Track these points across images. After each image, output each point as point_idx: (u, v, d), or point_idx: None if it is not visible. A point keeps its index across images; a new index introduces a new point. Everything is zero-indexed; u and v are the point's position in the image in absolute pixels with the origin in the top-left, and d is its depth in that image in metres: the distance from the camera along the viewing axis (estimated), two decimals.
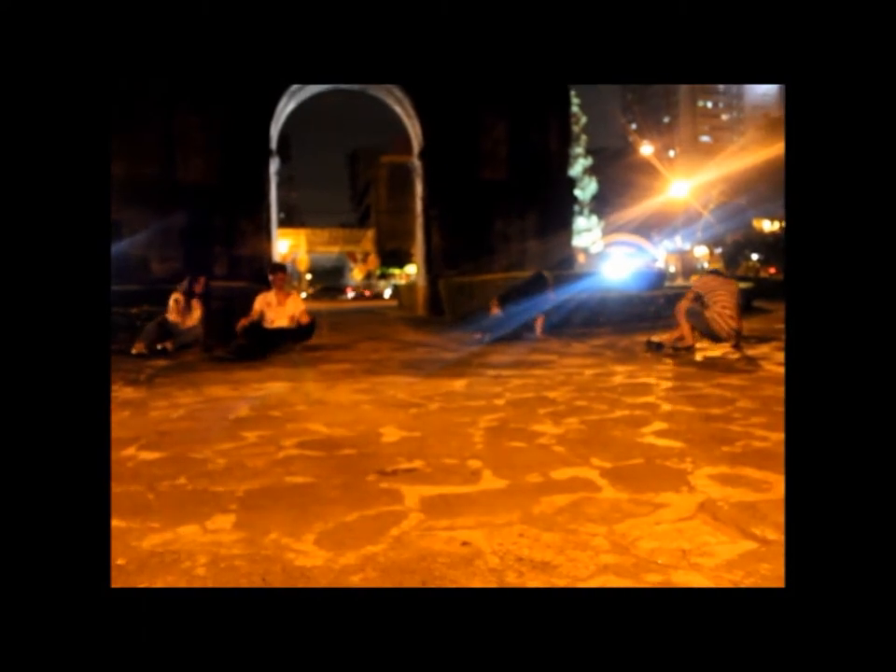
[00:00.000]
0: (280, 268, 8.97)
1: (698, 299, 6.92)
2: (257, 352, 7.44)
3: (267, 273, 8.98)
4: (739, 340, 6.89)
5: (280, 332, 8.07)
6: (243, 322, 7.91)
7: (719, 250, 47.08)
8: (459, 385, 5.11)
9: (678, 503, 2.28)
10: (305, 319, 8.28)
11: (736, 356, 6.54)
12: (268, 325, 8.12)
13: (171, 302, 8.46)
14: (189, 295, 8.52)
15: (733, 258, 44.92)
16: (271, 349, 7.72)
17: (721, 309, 6.77)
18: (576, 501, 2.33)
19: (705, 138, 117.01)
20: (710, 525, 2.08)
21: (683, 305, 6.95)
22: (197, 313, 8.46)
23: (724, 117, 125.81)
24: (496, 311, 8.74)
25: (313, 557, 1.94)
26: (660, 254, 45.50)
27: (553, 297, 8.85)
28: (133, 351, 7.76)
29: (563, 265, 13.90)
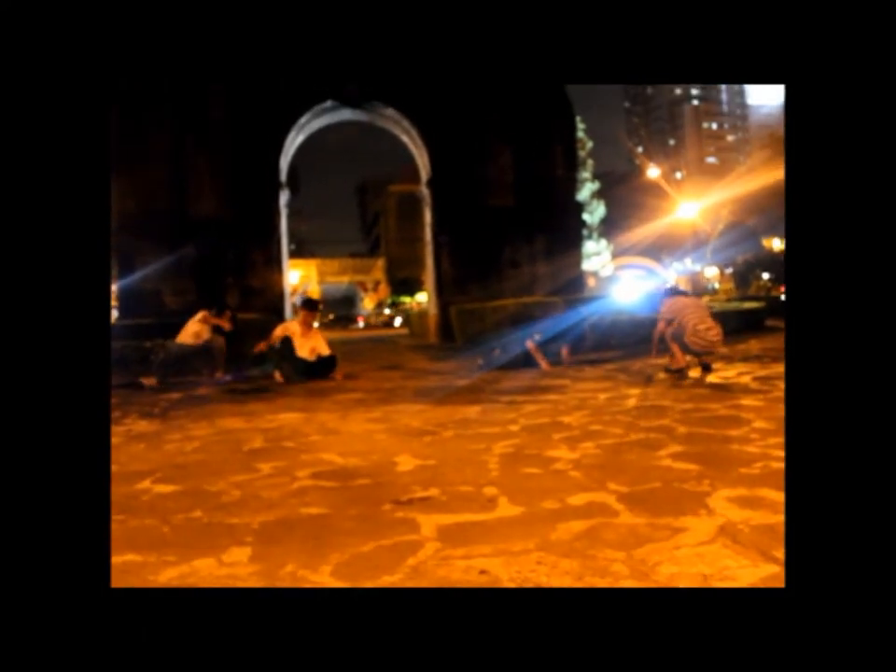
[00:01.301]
0: (315, 305, 9.01)
1: (670, 323, 6.95)
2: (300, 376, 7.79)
3: (300, 305, 9.00)
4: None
5: (304, 363, 8.16)
6: (261, 346, 8.17)
7: (729, 270, 46.99)
8: (473, 411, 5.10)
9: (697, 527, 2.25)
10: (326, 351, 8.35)
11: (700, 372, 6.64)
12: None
13: (197, 323, 8.52)
14: (216, 330, 8.67)
15: (744, 277, 44.82)
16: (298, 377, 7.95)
17: (695, 328, 6.77)
18: (593, 527, 2.31)
19: (711, 159, 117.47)
20: (731, 548, 2.05)
21: (667, 331, 6.97)
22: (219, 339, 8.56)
23: (730, 138, 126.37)
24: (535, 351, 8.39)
25: None
26: (670, 276, 45.46)
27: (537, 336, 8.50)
28: (146, 384, 7.80)
29: (573, 289, 13.91)
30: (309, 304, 8.86)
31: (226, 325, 8.69)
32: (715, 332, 6.84)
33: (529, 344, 8.28)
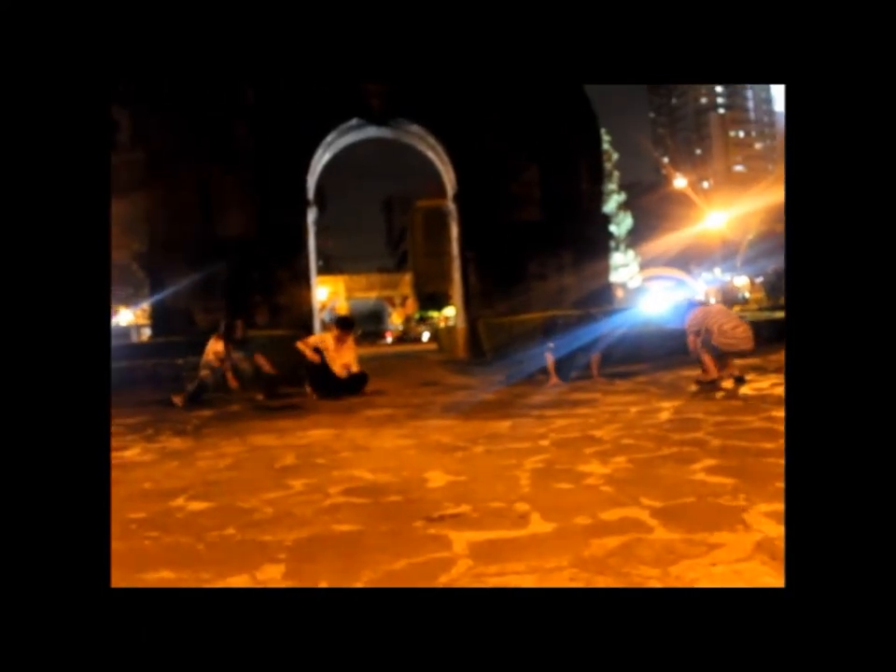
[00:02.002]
0: (350, 325, 8.86)
1: (698, 334, 6.87)
2: (331, 392, 7.95)
3: (335, 324, 8.97)
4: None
5: (337, 380, 8.22)
6: (300, 344, 8.39)
7: (760, 279, 46.36)
8: (503, 426, 5.08)
9: (733, 543, 2.21)
10: (356, 368, 8.40)
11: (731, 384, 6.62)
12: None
13: (210, 355, 8.35)
14: (229, 341, 8.45)
15: (774, 286, 44.16)
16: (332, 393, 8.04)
17: (721, 328, 6.68)
18: (627, 543, 2.28)
19: (739, 168, 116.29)
20: (769, 565, 2.01)
21: (697, 342, 6.89)
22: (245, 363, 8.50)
23: (758, 145, 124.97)
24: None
25: None
26: (700, 286, 45.00)
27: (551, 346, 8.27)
28: (177, 402, 7.89)
29: (600, 301, 13.83)
30: (344, 324, 8.76)
31: (226, 364, 8.42)
32: (742, 329, 6.74)
33: (548, 357, 8.20)
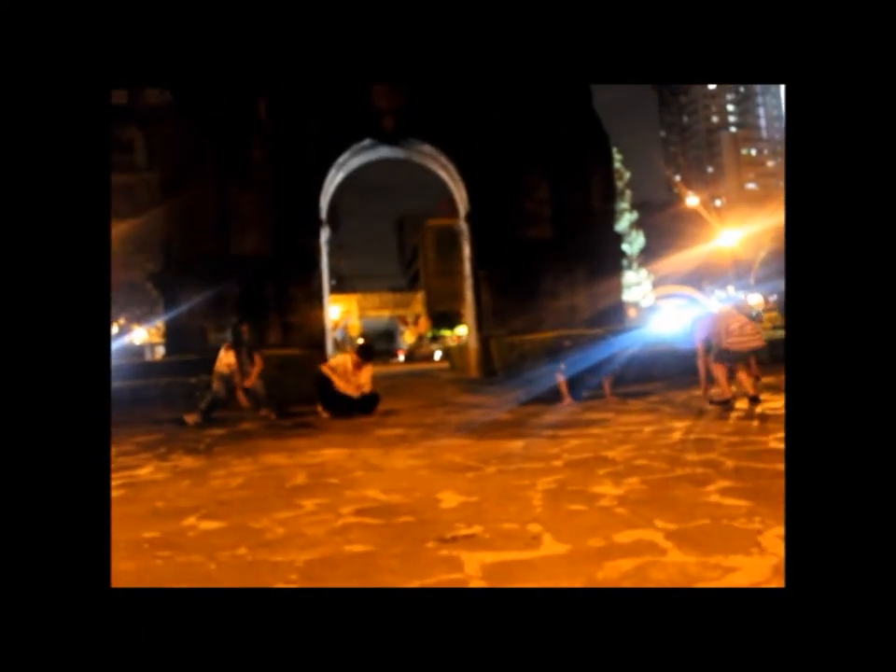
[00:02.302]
0: (370, 356, 8.88)
1: (709, 345, 6.80)
2: (343, 412, 8.01)
3: (358, 350, 9.02)
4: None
5: (349, 400, 8.23)
6: (326, 369, 8.51)
7: (774, 297, 46.11)
8: (516, 446, 5.06)
9: (749, 566, 2.18)
10: (368, 389, 8.43)
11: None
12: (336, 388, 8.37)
13: (223, 367, 8.41)
14: (238, 346, 8.51)
15: None
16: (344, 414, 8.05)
17: (728, 329, 6.61)
18: (641, 566, 2.25)
19: (751, 186, 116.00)
20: None
21: (708, 358, 6.83)
22: (255, 368, 8.51)
23: (770, 163, 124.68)
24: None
25: None
26: (713, 304, 44.79)
27: (562, 367, 8.23)
28: (189, 421, 7.91)
29: (613, 320, 13.80)
30: (365, 353, 8.81)
31: (238, 376, 8.48)
32: (751, 327, 6.67)
33: (559, 377, 8.17)
